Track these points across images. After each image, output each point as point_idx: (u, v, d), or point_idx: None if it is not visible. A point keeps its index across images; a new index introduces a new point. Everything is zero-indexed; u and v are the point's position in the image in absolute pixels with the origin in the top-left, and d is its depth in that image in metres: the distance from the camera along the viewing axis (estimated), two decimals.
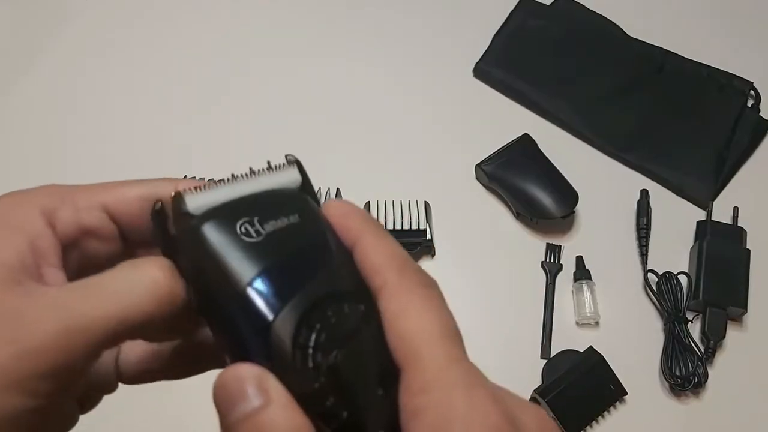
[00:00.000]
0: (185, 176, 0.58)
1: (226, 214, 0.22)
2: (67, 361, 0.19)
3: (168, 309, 0.21)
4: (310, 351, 0.20)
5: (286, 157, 0.25)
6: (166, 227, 0.22)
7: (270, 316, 0.20)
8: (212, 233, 0.21)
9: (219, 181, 0.23)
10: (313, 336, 0.20)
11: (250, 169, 0.24)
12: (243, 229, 0.21)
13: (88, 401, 0.26)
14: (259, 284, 0.20)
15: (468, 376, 0.19)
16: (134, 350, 0.26)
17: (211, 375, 0.22)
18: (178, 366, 0.26)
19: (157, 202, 0.22)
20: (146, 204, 0.23)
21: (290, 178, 0.24)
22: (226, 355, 0.21)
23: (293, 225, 0.22)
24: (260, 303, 0.20)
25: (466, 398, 0.19)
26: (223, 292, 0.21)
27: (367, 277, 0.21)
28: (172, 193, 0.22)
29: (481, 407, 0.18)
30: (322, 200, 0.59)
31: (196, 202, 0.22)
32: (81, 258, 0.23)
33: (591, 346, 0.53)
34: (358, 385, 0.20)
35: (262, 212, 0.22)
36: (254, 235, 0.21)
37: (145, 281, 0.20)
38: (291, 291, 0.20)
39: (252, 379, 0.20)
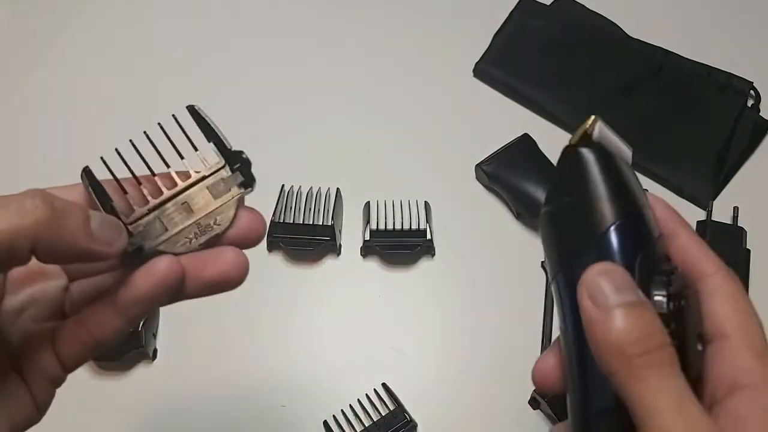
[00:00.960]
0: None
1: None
2: None
3: (31, 232, 0.22)
4: (666, 285, 0.25)
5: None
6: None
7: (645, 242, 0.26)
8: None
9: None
10: (666, 279, 0.25)
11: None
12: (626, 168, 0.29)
13: (38, 392, 0.27)
14: (637, 215, 0.26)
15: None
16: (79, 288, 0.29)
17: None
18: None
19: None
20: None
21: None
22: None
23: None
24: (642, 226, 0.26)
25: None
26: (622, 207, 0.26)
27: (692, 261, 0.27)
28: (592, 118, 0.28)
29: None
30: (322, 200, 0.59)
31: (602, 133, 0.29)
32: None
33: None
34: (689, 330, 0.25)
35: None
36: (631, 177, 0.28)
37: (11, 209, 0.22)
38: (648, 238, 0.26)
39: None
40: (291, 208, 0.59)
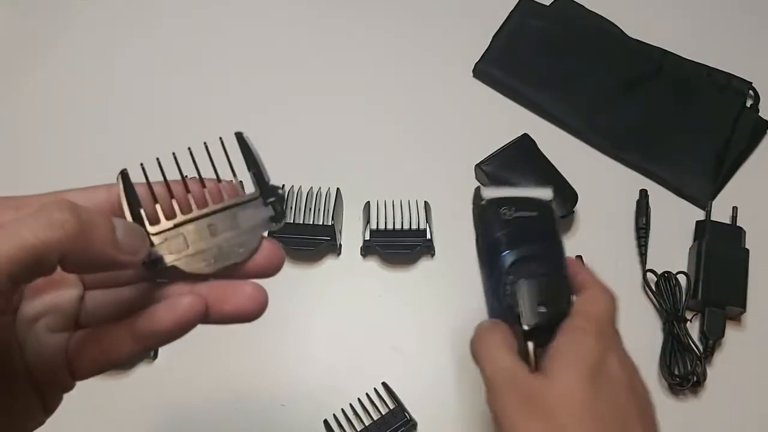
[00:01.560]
0: (186, 176, 0.58)
1: (496, 203, 0.41)
2: None
3: (59, 243, 0.23)
4: (509, 275, 0.40)
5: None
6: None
7: (505, 250, 0.40)
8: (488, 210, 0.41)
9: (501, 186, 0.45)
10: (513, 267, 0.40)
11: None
12: (503, 212, 0.41)
13: (48, 399, 0.28)
14: (503, 236, 0.41)
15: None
16: (94, 299, 0.29)
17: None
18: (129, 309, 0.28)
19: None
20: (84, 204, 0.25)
21: (546, 194, 0.43)
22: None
23: (532, 216, 0.41)
24: (503, 243, 0.41)
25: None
26: (488, 238, 0.41)
27: (573, 268, 0.42)
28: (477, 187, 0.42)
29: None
30: (322, 200, 0.60)
31: (487, 194, 0.42)
32: None
33: None
34: (530, 303, 0.39)
35: (519, 205, 0.41)
36: (507, 215, 0.41)
37: (40, 221, 0.23)
38: (518, 242, 0.40)
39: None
40: (291, 208, 0.59)
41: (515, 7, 0.72)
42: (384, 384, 0.53)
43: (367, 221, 0.59)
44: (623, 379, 0.36)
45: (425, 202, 0.61)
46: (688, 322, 0.55)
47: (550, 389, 0.35)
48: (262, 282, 0.29)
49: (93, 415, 0.52)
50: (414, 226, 0.58)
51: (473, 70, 0.70)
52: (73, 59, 0.71)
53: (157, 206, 0.28)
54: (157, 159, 0.29)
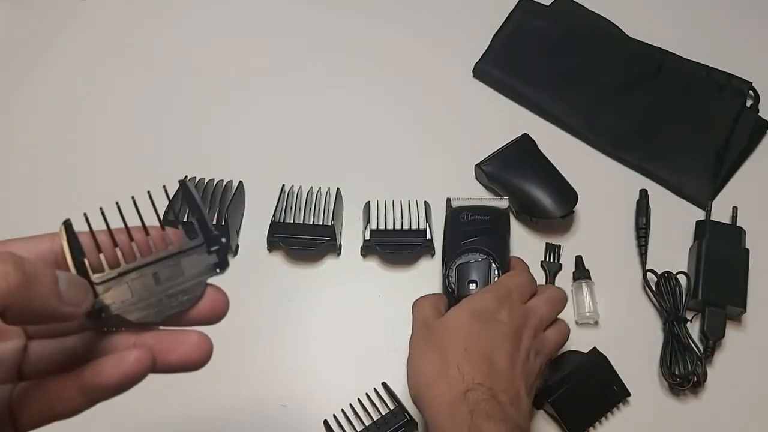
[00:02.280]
0: (186, 176, 0.58)
1: (458, 210, 0.55)
2: None
3: (17, 295, 0.23)
4: (455, 262, 0.52)
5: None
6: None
7: (456, 244, 0.53)
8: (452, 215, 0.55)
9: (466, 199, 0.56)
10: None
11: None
12: (462, 216, 0.54)
13: None
14: (457, 233, 0.53)
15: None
16: (38, 349, 0.29)
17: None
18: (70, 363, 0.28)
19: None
20: (28, 254, 0.25)
21: (503, 203, 0.56)
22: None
23: (484, 220, 0.54)
24: (456, 239, 0.53)
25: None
26: (447, 235, 0.54)
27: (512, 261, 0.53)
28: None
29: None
30: (322, 200, 0.60)
31: (454, 203, 0.56)
32: None
33: (595, 347, 0.53)
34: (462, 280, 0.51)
35: (475, 211, 0.54)
36: (465, 219, 0.54)
37: None
38: (467, 238, 0.53)
39: None
40: (291, 208, 0.59)
41: (515, 7, 0.72)
42: (384, 384, 0.53)
43: (367, 221, 0.59)
44: (509, 326, 0.45)
45: (425, 202, 0.61)
46: (689, 322, 0.55)
47: (443, 324, 0.46)
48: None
49: (93, 414, 0.52)
50: (414, 226, 0.58)
51: (473, 70, 0.70)
52: (72, 60, 0.71)
53: (101, 255, 0.28)
54: (101, 208, 0.29)
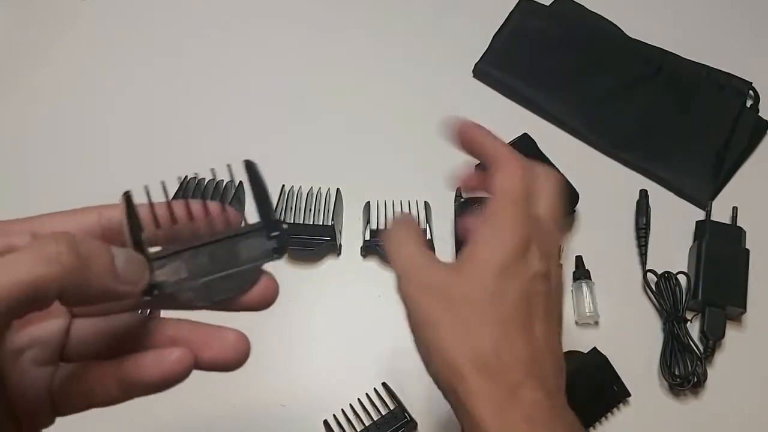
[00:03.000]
0: (185, 176, 0.58)
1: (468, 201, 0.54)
2: None
3: (58, 280, 0.22)
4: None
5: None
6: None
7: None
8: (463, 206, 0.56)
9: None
10: None
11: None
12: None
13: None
14: None
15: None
16: (81, 329, 0.28)
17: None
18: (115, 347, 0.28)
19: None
20: (71, 228, 0.25)
21: None
22: None
23: None
24: None
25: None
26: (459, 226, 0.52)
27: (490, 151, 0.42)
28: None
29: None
30: (322, 200, 0.60)
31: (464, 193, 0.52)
32: None
33: (595, 348, 0.53)
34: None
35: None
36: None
37: (37, 255, 0.22)
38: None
39: None
40: (291, 208, 0.59)
41: (515, 7, 0.72)
42: (384, 384, 0.53)
43: (367, 221, 0.59)
44: (539, 272, 0.34)
45: (425, 202, 0.60)
46: (689, 323, 0.55)
47: (459, 284, 0.33)
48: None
49: (93, 413, 0.52)
50: None
51: (473, 70, 0.69)
52: (72, 60, 0.71)
53: (159, 231, 0.27)
54: (162, 183, 0.28)
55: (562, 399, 0.34)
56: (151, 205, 0.27)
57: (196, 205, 0.28)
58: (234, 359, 0.28)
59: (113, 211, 0.27)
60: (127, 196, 0.27)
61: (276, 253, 0.29)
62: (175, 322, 0.28)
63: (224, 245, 0.28)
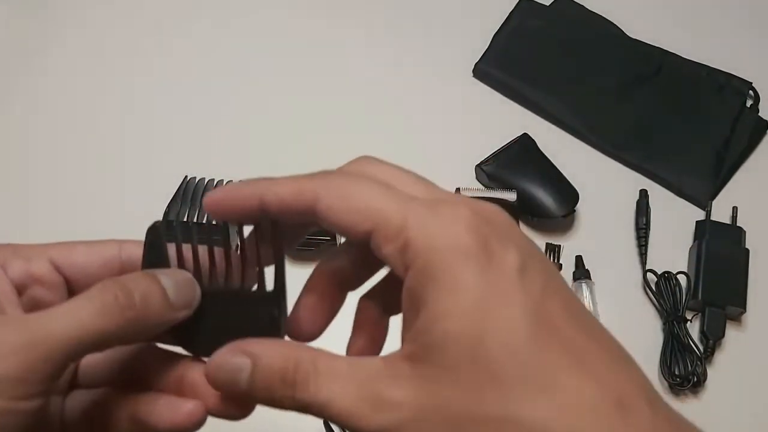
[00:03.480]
0: (185, 176, 0.58)
1: None
2: (29, 369, 0.21)
3: (119, 328, 0.23)
4: None
5: None
6: None
7: None
8: None
9: None
10: None
11: None
12: None
13: None
14: None
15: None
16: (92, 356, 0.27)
17: None
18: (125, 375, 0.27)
19: None
20: (91, 260, 0.26)
21: (511, 196, 0.54)
22: None
23: None
24: None
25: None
26: None
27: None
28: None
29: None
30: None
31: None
32: (30, 303, 0.26)
33: None
34: None
35: None
36: None
37: (96, 305, 0.23)
38: None
39: None
40: None
41: (515, 7, 0.72)
42: None
43: None
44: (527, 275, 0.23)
45: None
46: (689, 323, 0.55)
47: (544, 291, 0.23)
48: None
49: None
50: None
51: (473, 70, 0.69)
52: (72, 61, 0.71)
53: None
54: (225, 223, 0.27)
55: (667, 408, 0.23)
56: (178, 246, 0.27)
57: (219, 253, 0.27)
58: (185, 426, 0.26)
59: (133, 246, 0.27)
60: (154, 227, 0.26)
61: (270, 326, 0.29)
62: (190, 360, 0.27)
63: (234, 301, 0.28)
